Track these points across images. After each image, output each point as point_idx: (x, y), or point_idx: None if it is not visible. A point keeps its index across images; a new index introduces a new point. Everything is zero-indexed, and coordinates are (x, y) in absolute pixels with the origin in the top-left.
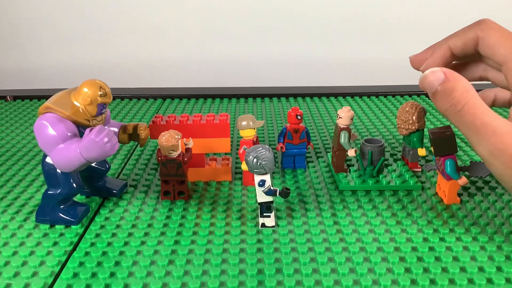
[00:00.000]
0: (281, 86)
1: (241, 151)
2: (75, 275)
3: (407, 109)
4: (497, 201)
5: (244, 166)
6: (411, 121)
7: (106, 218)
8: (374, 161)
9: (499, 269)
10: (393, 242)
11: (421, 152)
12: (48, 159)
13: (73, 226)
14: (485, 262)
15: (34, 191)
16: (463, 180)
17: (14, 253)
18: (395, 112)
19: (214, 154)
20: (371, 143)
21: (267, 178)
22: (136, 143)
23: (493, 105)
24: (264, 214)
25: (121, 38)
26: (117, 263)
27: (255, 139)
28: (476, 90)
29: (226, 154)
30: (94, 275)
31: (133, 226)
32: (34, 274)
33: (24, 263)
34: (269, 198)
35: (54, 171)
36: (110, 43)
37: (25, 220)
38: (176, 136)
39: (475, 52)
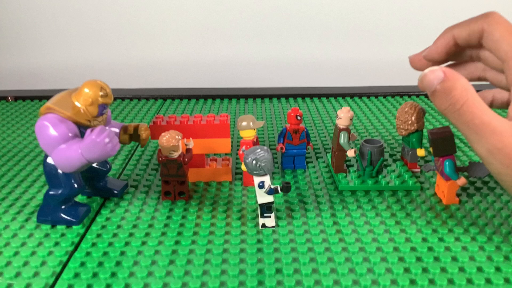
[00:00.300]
0: (281, 87)
1: (241, 151)
2: (76, 275)
3: (406, 109)
4: (495, 201)
5: (244, 167)
6: (410, 122)
7: (107, 218)
8: (373, 161)
9: (497, 269)
10: (392, 242)
11: (420, 152)
12: (49, 160)
13: (74, 226)
14: (484, 262)
15: (35, 191)
16: (462, 181)
17: (16, 253)
18: (395, 112)
19: (215, 154)
20: (370, 144)
21: (266, 179)
22: (137, 143)
23: (491, 106)
24: (265, 214)
25: (122, 39)
26: (118, 263)
27: (255, 140)
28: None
29: (226, 154)
30: (95, 275)
31: (134, 226)
32: (36, 274)
33: (25, 263)
34: (269, 199)
35: (56, 172)
36: (111, 43)
37: (26, 220)
38: (176, 137)
39: (479, 44)
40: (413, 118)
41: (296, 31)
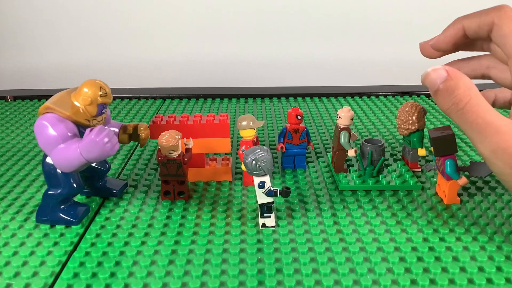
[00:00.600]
0: (281, 86)
1: (241, 151)
2: (76, 275)
3: (407, 109)
4: (497, 201)
5: (244, 167)
6: (411, 121)
7: (107, 218)
8: (374, 161)
9: (499, 269)
10: (393, 242)
11: (421, 152)
12: (48, 159)
13: (73, 226)
14: (485, 262)
15: (34, 191)
16: (463, 180)
17: (15, 253)
18: (395, 112)
19: (214, 154)
20: (371, 143)
21: (266, 179)
22: (136, 143)
23: (493, 106)
24: (265, 214)
25: (121, 38)
26: (117, 263)
27: (255, 139)
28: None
29: (226, 154)
30: (94, 275)
31: (133, 226)
32: (35, 274)
33: (24, 263)
34: (269, 199)
35: (55, 171)
36: (110, 43)
37: (25, 220)
38: (176, 136)
39: (487, 37)
40: (414, 117)
41: (296, 31)
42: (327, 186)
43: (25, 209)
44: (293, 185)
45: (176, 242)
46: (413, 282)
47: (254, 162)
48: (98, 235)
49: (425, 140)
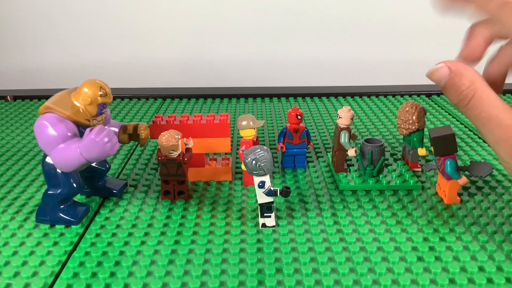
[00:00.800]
0: (281, 86)
1: (241, 151)
2: (75, 275)
3: (407, 109)
4: (497, 200)
5: (244, 166)
6: (411, 121)
7: (106, 218)
8: (374, 161)
9: (499, 268)
10: (393, 242)
11: (421, 152)
12: (48, 159)
13: (73, 226)
14: (485, 261)
15: (34, 191)
16: (463, 180)
17: (14, 253)
18: (395, 112)
19: (214, 154)
20: (371, 143)
21: (266, 179)
22: (136, 143)
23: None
24: (265, 214)
25: (121, 38)
26: (117, 263)
27: (255, 139)
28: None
29: (226, 154)
30: (94, 275)
31: (133, 226)
32: (34, 274)
33: (24, 263)
34: (269, 199)
35: (54, 171)
36: (110, 43)
37: (25, 220)
38: (176, 136)
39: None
40: (414, 117)
41: (296, 31)
42: (327, 186)
43: (25, 209)
44: (293, 185)
45: (176, 242)
46: (413, 281)
47: (254, 161)
48: (98, 235)
49: (425, 140)
